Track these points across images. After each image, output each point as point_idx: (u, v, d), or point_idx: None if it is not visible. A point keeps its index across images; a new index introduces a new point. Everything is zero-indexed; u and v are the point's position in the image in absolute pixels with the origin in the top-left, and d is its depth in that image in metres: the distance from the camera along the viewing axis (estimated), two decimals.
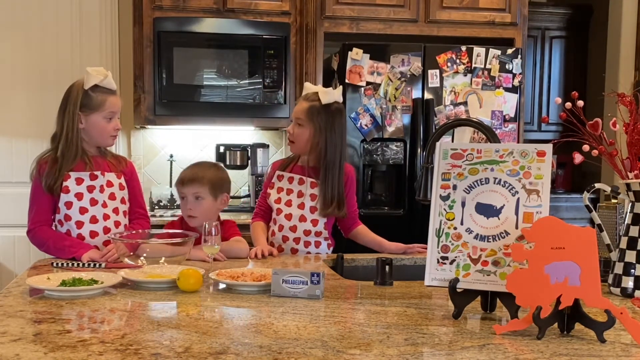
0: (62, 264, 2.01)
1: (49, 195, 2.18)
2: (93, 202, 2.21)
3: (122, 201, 2.29)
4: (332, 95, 2.34)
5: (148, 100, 3.53)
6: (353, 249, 2.43)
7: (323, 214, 2.36)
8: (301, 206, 2.39)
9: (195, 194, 2.23)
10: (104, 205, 2.23)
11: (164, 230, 2.25)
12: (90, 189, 2.21)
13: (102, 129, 2.21)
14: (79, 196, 2.19)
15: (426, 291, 1.69)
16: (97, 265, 1.99)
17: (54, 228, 2.23)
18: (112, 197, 2.25)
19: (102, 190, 2.22)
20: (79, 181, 2.20)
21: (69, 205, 2.18)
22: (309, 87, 2.42)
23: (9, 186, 3.76)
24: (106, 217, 2.23)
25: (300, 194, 2.40)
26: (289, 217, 2.39)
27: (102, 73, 2.20)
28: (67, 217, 2.19)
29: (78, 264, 2.01)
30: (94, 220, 2.21)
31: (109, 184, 2.25)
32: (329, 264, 2.20)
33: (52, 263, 2.03)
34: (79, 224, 2.19)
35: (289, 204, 2.40)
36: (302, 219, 2.38)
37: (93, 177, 2.22)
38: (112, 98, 2.22)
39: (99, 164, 2.25)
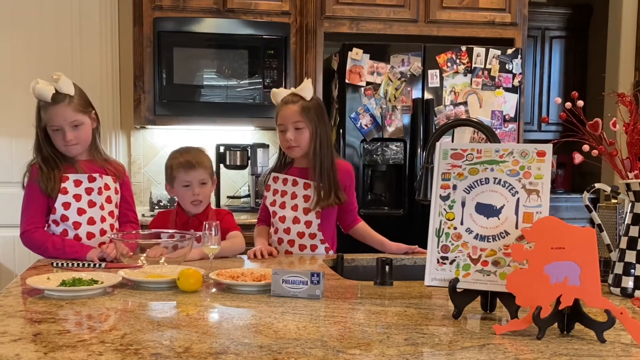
0: (62, 264, 2.01)
1: (45, 197, 2.17)
2: (91, 204, 2.21)
3: (117, 205, 2.31)
4: (310, 89, 2.34)
5: (148, 100, 3.54)
6: (354, 252, 2.41)
7: (324, 204, 2.31)
8: (294, 208, 2.36)
9: (202, 179, 2.27)
10: (102, 207, 2.23)
11: (166, 231, 2.23)
12: (89, 191, 2.20)
13: (57, 142, 2.18)
14: (77, 197, 2.19)
15: (426, 291, 1.69)
16: (97, 265, 1.99)
17: (46, 228, 2.21)
18: (108, 200, 2.26)
19: (100, 192, 2.22)
20: (77, 183, 2.20)
21: (66, 206, 2.18)
22: (279, 92, 2.38)
23: (9, 186, 3.75)
24: (103, 219, 2.23)
25: (293, 196, 2.37)
26: (282, 219, 2.37)
27: (45, 87, 2.10)
28: (64, 218, 2.18)
29: (78, 264, 2.01)
30: (91, 221, 2.20)
31: (107, 187, 2.25)
32: (329, 264, 2.19)
33: (52, 263, 2.02)
34: (77, 225, 2.19)
35: (282, 206, 2.38)
36: (296, 220, 2.35)
37: (91, 179, 2.21)
38: (51, 110, 2.12)
39: (90, 168, 2.23)
